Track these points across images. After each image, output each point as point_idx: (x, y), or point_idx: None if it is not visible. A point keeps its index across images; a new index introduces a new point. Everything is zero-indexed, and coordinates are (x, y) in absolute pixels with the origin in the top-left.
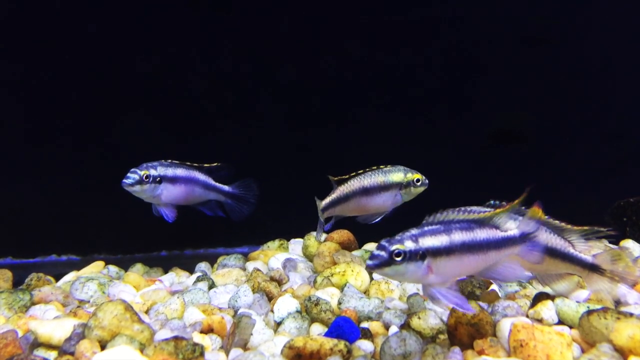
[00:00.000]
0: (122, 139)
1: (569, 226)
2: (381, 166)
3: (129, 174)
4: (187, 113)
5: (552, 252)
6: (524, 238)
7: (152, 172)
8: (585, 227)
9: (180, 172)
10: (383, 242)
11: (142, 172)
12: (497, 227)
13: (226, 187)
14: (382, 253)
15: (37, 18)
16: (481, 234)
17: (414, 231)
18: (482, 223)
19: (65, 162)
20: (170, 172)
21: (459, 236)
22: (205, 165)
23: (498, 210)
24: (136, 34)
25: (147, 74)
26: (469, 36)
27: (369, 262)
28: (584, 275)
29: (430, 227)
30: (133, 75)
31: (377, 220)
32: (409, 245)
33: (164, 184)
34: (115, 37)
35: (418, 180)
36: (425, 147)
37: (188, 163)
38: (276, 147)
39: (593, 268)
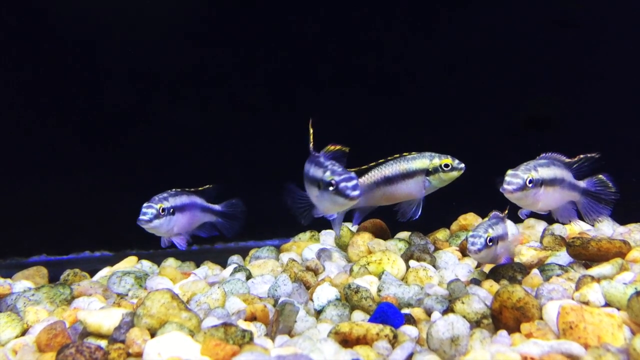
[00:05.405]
0: (154, 136)
1: (569, 160)
2: (405, 153)
3: (144, 210)
4: (217, 102)
5: (570, 186)
6: None
7: (166, 204)
8: (581, 155)
9: (185, 200)
10: None
11: (157, 206)
12: None
13: (217, 207)
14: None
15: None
16: None
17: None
18: None
19: (97, 159)
20: (179, 201)
21: None
22: (200, 188)
23: None
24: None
25: (173, 67)
26: (501, 17)
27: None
28: (577, 200)
29: None
30: (161, 71)
31: (417, 211)
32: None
33: (177, 215)
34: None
35: (447, 166)
36: (459, 132)
37: (187, 189)
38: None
39: (583, 192)
